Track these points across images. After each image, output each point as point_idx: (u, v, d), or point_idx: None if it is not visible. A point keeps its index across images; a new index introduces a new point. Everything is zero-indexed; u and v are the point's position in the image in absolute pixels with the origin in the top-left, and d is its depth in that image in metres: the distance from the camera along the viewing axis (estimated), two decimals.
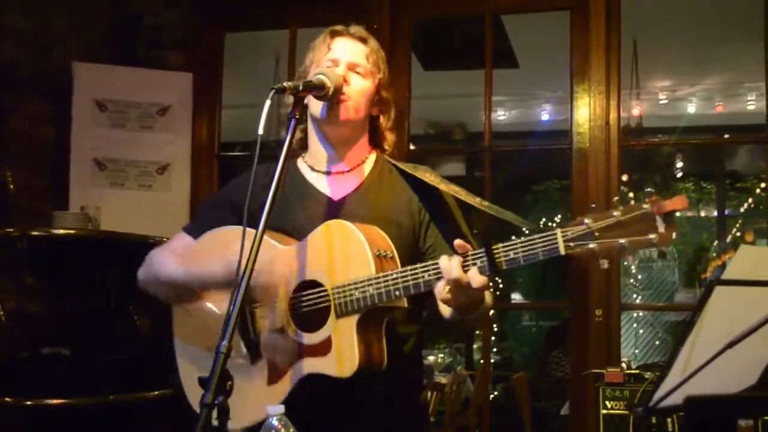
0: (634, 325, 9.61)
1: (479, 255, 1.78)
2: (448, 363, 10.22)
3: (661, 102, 7.96)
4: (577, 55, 4.23)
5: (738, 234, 9.87)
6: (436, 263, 1.84)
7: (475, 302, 1.87)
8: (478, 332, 9.94)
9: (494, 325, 10.02)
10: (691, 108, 8.19)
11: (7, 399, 3.58)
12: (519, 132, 8.62)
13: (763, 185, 9.47)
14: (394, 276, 1.87)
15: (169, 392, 3.78)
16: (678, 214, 1.59)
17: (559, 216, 10.54)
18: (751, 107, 7.87)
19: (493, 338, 9.45)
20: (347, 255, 1.95)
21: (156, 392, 3.82)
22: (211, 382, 1.58)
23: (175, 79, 4.59)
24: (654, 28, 5.94)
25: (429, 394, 6.50)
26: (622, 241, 1.61)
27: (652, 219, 1.59)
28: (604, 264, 1.65)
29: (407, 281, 1.86)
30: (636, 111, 7.24)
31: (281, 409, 1.64)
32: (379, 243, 1.97)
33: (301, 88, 1.96)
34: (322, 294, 1.97)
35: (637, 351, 9.51)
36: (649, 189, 1.61)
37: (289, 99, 1.97)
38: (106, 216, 4.03)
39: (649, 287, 9.80)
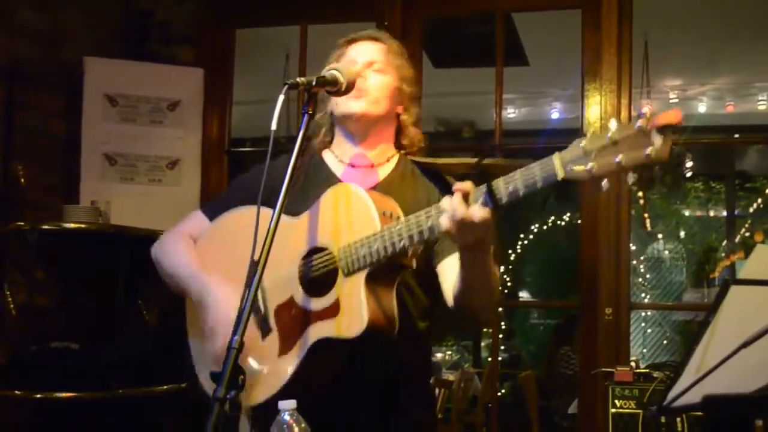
0: (643, 324, 9.61)
1: (480, 191, 1.77)
2: (455, 360, 10.24)
3: (671, 101, 7.93)
4: (588, 53, 4.22)
5: (747, 234, 9.84)
6: (438, 206, 1.82)
7: (481, 241, 1.84)
8: (486, 330, 9.96)
9: (502, 323, 10.02)
10: (702, 107, 8.16)
11: (16, 392, 3.60)
12: (529, 130, 8.58)
13: None
14: (398, 227, 1.87)
15: (177, 387, 3.79)
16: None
17: (568, 214, 10.53)
18: (761, 107, 7.85)
19: (500, 336, 9.45)
20: (352, 216, 1.96)
21: (165, 386, 3.83)
22: (224, 377, 1.58)
23: (185, 74, 4.59)
24: (665, 27, 5.91)
25: (436, 391, 6.50)
26: (618, 158, 1.58)
27: (647, 134, 1.57)
28: (604, 185, 1.63)
29: (411, 230, 1.85)
30: (646, 110, 7.21)
31: (293, 404, 1.64)
32: (386, 205, 1.97)
33: (314, 83, 1.96)
34: (329, 256, 1.97)
35: (645, 350, 9.51)
36: (643, 109, 1.59)
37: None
38: (116, 210, 4.04)
39: (657, 287, 9.80)
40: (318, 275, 1.99)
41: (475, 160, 2.15)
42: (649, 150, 1.56)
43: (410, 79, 2.28)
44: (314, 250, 2.01)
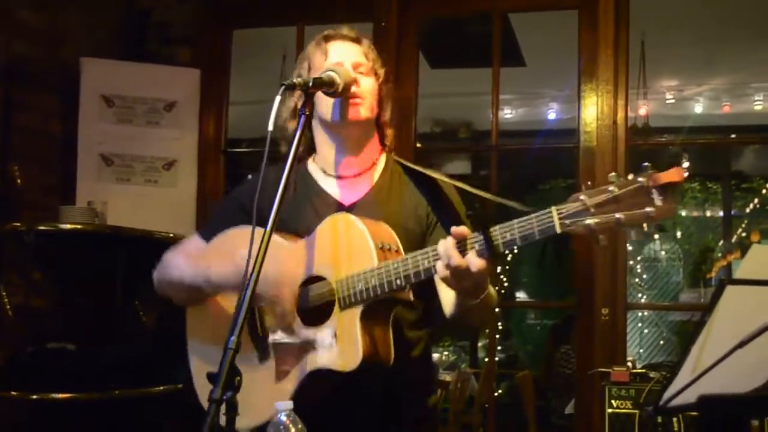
0: (639, 324, 9.61)
1: (476, 238, 1.78)
2: (452, 361, 10.24)
3: (668, 102, 7.95)
4: (584, 54, 4.22)
5: (743, 234, 9.86)
6: (435, 249, 1.82)
7: (477, 287, 1.85)
8: (483, 330, 9.95)
9: (499, 324, 10.02)
10: (698, 108, 8.18)
11: (13, 393, 3.59)
12: (526, 131, 8.60)
13: None
14: (395, 265, 1.87)
15: (174, 388, 3.78)
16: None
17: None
18: (758, 107, 7.87)
19: (497, 336, 9.45)
20: (351, 248, 1.95)
21: (161, 387, 3.83)
22: (220, 378, 1.58)
23: (182, 75, 4.59)
24: (662, 28, 5.93)
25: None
26: (618, 215, 1.59)
27: (649, 192, 1.57)
28: (604, 241, 1.64)
29: (408, 269, 1.86)
30: (643, 110, 7.23)
31: (289, 405, 1.64)
32: (384, 236, 1.97)
33: (311, 84, 1.96)
34: (327, 287, 1.97)
35: (641, 350, 9.51)
36: (645, 164, 1.59)
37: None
38: (112, 211, 4.04)
39: (653, 287, 9.80)
40: (316, 306, 1.99)
41: (464, 185, 2.15)
42: (649, 209, 1.57)
43: (386, 80, 2.25)
44: (312, 279, 2.01)
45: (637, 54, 6.24)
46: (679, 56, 6.91)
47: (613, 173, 1.62)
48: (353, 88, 2.09)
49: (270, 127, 1.81)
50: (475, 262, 1.76)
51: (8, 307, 3.88)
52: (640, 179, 1.59)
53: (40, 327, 4.04)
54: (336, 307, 1.94)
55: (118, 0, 4.77)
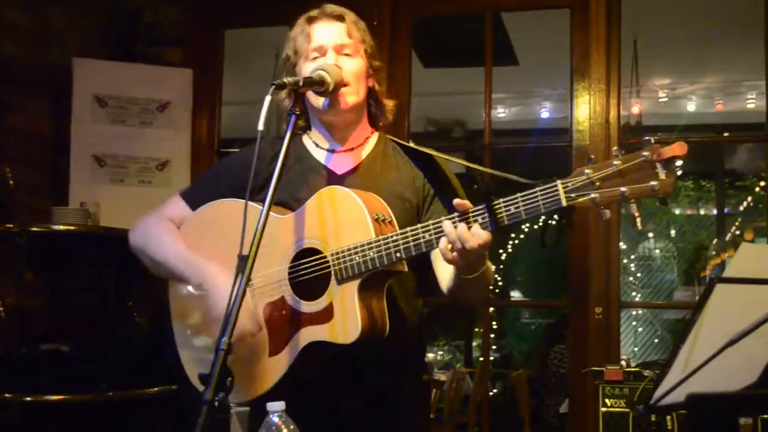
0: (634, 323, 9.62)
1: (480, 211, 1.77)
2: (447, 360, 10.25)
3: (660, 100, 7.96)
4: (577, 52, 4.23)
5: (737, 232, 9.87)
6: (436, 222, 1.83)
7: (477, 260, 1.85)
8: (477, 329, 9.97)
9: (493, 323, 10.03)
10: (691, 106, 8.19)
11: (6, 395, 3.58)
12: (519, 129, 8.61)
13: (762, 184, 9.47)
14: (395, 238, 1.87)
15: (168, 389, 3.78)
16: (678, 163, 1.58)
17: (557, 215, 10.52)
18: (750, 106, 7.87)
19: (492, 336, 9.46)
20: (345, 220, 1.95)
21: (155, 388, 3.82)
22: (212, 379, 1.58)
23: (175, 75, 4.58)
24: (654, 26, 5.93)
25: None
26: (623, 189, 1.61)
27: (653, 166, 1.59)
28: (606, 213, 1.65)
29: (408, 242, 1.86)
30: (636, 109, 7.24)
31: (281, 405, 1.63)
32: (377, 207, 1.96)
33: (301, 84, 1.96)
34: (322, 261, 1.96)
35: (636, 349, 9.53)
36: (647, 138, 1.60)
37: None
38: (105, 212, 4.03)
39: (648, 285, 9.82)
40: (309, 279, 1.98)
41: (460, 161, 2.15)
42: (654, 183, 1.58)
43: (375, 52, 2.24)
44: (304, 252, 2.00)
45: (629, 52, 6.24)
46: (672, 55, 6.91)
47: (616, 147, 1.63)
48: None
49: (260, 127, 1.81)
50: (480, 235, 1.76)
51: (1, 308, 3.87)
52: (644, 153, 1.60)
53: (33, 328, 4.03)
54: (332, 280, 1.93)
55: (108, 0, 4.75)
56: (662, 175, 1.58)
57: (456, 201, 1.80)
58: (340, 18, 2.21)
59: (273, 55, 6.07)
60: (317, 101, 2.13)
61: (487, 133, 4.53)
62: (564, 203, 1.66)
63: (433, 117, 8.82)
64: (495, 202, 1.75)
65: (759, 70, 4.30)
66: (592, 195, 1.63)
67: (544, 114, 8.45)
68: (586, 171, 1.64)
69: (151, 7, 4.75)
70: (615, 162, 1.62)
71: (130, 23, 4.73)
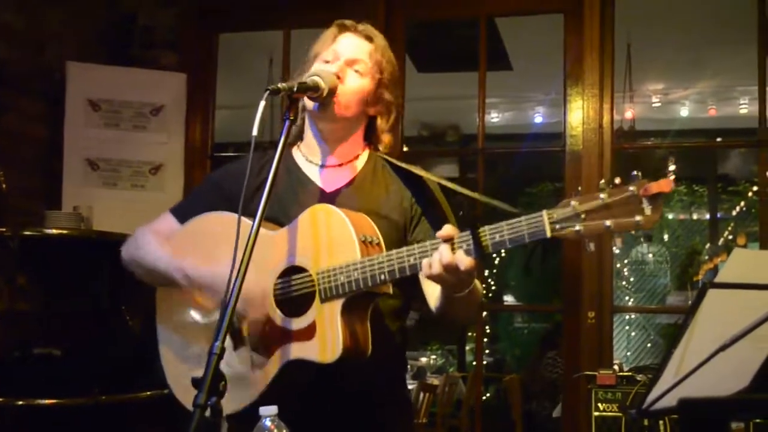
0: (626, 327, 9.63)
1: (464, 238, 1.78)
2: (440, 365, 10.25)
3: (654, 105, 7.98)
4: (570, 57, 4.24)
5: (730, 237, 9.90)
6: (422, 245, 1.84)
7: (463, 283, 1.86)
8: (470, 334, 9.97)
9: (486, 327, 10.04)
10: (684, 111, 8.22)
11: None
12: (512, 134, 8.63)
13: (755, 189, 9.49)
14: (380, 260, 1.87)
15: (161, 393, 3.77)
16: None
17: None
18: (743, 111, 7.91)
19: (485, 340, 9.46)
20: (333, 240, 1.95)
21: (148, 393, 3.81)
22: (204, 383, 1.58)
23: (168, 79, 4.58)
24: (647, 31, 5.95)
25: (421, 395, 6.51)
26: (607, 223, 1.62)
27: (639, 201, 1.60)
28: (591, 246, 1.67)
29: (392, 265, 1.86)
30: (629, 114, 7.26)
31: (274, 410, 1.63)
32: (366, 229, 1.96)
33: (295, 89, 1.96)
34: (307, 279, 1.97)
35: (629, 353, 9.53)
36: (635, 172, 1.62)
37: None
38: (98, 216, 4.03)
39: (641, 290, 9.82)
40: (295, 296, 1.99)
41: (452, 185, 2.15)
42: (639, 218, 1.60)
43: (393, 85, 2.23)
44: (292, 269, 2.01)
45: (623, 58, 6.26)
46: (665, 60, 6.94)
47: (603, 180, 1.64)
48: (338, 87, 2.09)
49: (254, 132, 1.81)
50: (463, 261, 1.77)
51: None
52: (630, 188, 1.62)
53: (26, 332, 4.02)
54: (317, 299, 1.94)
55: (102, 4, 4.75)
56: (647, 211, 1.60)
57: (439, 233, 1.81)
58: (369, 38, 2.21)
59: (267, 59, 6.08)
60: (310, 104, 2.13)
61: (481, 137, 4.54)
62: (548, 234, 1.68)
63: (426, 121, 8.84)
64: (480, 230, 1.77)
65: (752, 75, 4.31)
66: (577, 227, 1.65)
67: (538, 119, 8.47)
68: (572, 203, 1.66)
69: (145, 11, 4.75)
70: (602, 195, 1.64)
71: (124, 27, 4.73)
